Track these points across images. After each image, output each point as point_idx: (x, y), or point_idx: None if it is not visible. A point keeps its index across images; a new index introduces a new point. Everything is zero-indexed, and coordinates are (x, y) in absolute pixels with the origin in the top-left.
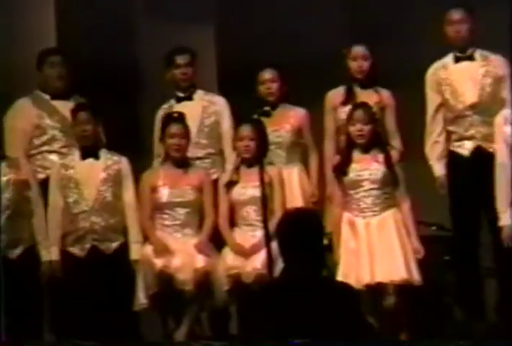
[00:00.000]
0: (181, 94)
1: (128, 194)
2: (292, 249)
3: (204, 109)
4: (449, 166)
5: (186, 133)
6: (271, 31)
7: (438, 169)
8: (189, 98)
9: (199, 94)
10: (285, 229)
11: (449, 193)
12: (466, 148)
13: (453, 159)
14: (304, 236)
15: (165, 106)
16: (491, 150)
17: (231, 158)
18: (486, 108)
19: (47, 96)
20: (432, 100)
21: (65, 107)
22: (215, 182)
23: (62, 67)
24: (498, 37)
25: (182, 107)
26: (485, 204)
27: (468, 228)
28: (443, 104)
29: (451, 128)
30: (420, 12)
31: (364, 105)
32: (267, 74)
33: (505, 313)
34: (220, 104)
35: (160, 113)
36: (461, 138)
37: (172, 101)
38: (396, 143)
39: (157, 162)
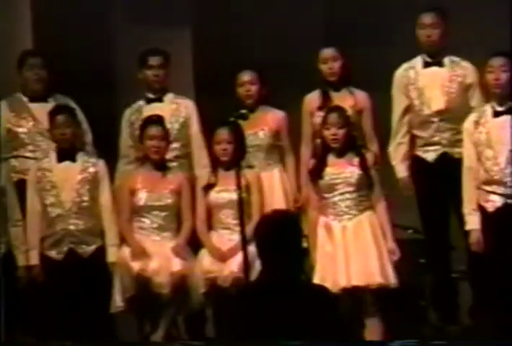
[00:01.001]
0: (151, 96)
1: (105, 197)
2: (270, 251)
3: (173, 112)
4: (414, 171)
5: (165, 135)
6: (249, 32)
7: (401, 170)
8: (159, 100)
9: (169, 97)
10: (264, 231)
11: (416, 198)
12: (431, 153)
13: (418, 164)
14: (283, 239)
15: (134, 107)
16: (457, 156)
17: (202, 162)
18: (453, 115)
19: (25, 99)
20: (399, 102)
21: (42, 109)
22: None
23: (41, 69)
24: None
25: (152, 109)
26: (455, 209)
27: (437, 232)
28: (410, 108)
29: (416, 133)
30: (398, 12)
31: (338, 109)
32: (245, 76)
33: (479, 316)
34: (189, 108)
35: (127, 114)
36: (427, 144)
37: (141, 103)
38: (373, 145)
39: (122, 163)
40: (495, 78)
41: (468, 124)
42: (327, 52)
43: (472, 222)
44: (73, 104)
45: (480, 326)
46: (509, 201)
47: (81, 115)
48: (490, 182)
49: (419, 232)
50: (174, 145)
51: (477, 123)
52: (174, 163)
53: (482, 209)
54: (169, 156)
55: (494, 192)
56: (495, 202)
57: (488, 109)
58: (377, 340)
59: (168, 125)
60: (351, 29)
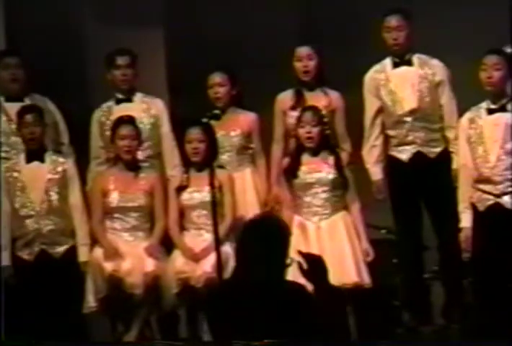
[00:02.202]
0: (120, 96)
1: (75, 197)
2: (257, 254)
3: (143, 112)
4: (388, 171)
5: (137, 135)
6: (222, 33)
7: (375, 172)
8: (128, 100)
9: (138, 96)
10: (249, 234)
11: (390, 198)
12: (405, 153)
13: (392, 164)
14: (268, 242)
15: (103, 107)
16: (431, 155)
17: (173, 162)
18: (425, 114)
19: (2, 98)
20: (370, 104)
21: (17, 109)
22: None
23: (17, 69)
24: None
25: (122, 109)
26: (430, 208)
27: (410, 232)
28: (382, 109)
29: (390, 133)
30: (375, 12)
31: (313, 108)
32: (215, 78)
33: (451, 316)
34: (158, 107)
35: (96, 115)
36: (401, 143)
37: (111, 103)
38: (346, 145)
39: (94, 164)
40: (488, 76)
41: (463, 121)
42: (303, 50)
43: (464, 220)
44: (50, 105)
45: (453, 326)
46: (500, 200)
47: (58, 115)
48: (480, 180)
49: (392, 232)
50: (145, 144)
51: (471, 120)
52: (145, 164)
53: (473, 207)
54: (141, 156)
55: (485, 191)
56: (486, 201)
57: (483, 106)
58: (355, 340)
59: (138, 125)
60: (327, 29)
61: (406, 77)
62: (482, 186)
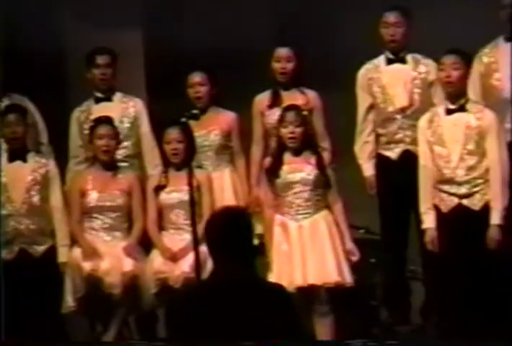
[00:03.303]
0: (100, 95)
1: (55, 197)
2: (221, 249)
3: (122, 111)
4: (377, 169)
5: (115, 135)
6: (201, 32)
7: (368, 168)
8: (108, 99)
9: (118, 96)
10: (214, 228)
11: (378, 196)
12: (394, 151)
13: (381, 162)
14: (233, 236)
15: (82, 107)
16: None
17: (153, 162)
18: (416, 112)
19: None
20: (363, 100)
21: None
22: None
23: None
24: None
25: (101, 109)
26: (414, 207)
27: (396, 231)
28: (374, 106)
29: (380, 131)
30: (351, 12)
31: (295, 107)
32: (195, 78)
33: (430, 315)
34: (138, 106)
35: (75, 114)
36: (390, 142)
37: (90, 102)
38: (325, 144)
39: (72, 163)
40: (447, 75)
41: (422, 122)
42: (282, 51)
43: (427, 221)
44: (29, 104)
45: (430, 325)
46: (462, 201)
47: (37, 115)
48: (442, 180)
49: (370, 232)
50: (125, 144)
51: (430, 121)
52: (125, 163)
53: (437, 209)
54: (120, 155)
55: (447, 192)
56: (448, 202)
57: (441, 107)
58: (333, 340)
59: (117, 124)
60: (304, 29)
61: (399, 74)
62: (444, 187)
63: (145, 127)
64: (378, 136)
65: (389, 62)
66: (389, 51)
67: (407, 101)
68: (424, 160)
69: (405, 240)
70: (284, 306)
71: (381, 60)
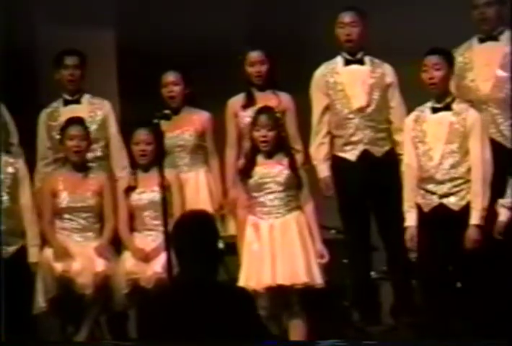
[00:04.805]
0: (68, 97)
1: (25, 197)
2: (185, 251)
3: (90, 113)
4: (335, 171)
5: (86, 135)
6: (176, 32)
7: (323, 169)
8: (76, 101)
9: (86, 98)
10: (178, 232)
11: (337, 198)
12: (352, 153)
13: (338, 164)
14: (196, 239)
15: (50, 109)
16: (378, 154)
17: (121, 163)
18: (372, 113)
19: None
20: (318, 101)
21: None
22: None
23: None
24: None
25: (70, 110)
26: (376, 208)
27: (358, 232)
28: (330, 107)
29: (335, 133)
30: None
31: (268, 110)
32: (169, 77)
33: (399, 316)
34: (106, 108)
35: (43, 116)
36: (347, 143)
37: (58, 104)
38: (297, 146)
39: (41, 165)
40: (430, 77)
41: (408, 120)
42: (255, 55)
43: (408, 219)
44: (0, 105)
45: (401, 326)
46: (443, 201)
47: (7, 116)
48: (424, 178)
49: (341, 232)
50: (94, 146)
51: (416, 120)
52: (94, 164)
53: (418, 207)
54: (89, 157)
55: (428, 191)
56: (429, 201)
57: (428, 106)
58: (303, 340)
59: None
60: (278, 29)
61: (356, 75)
62: (426, 185)
63: (113, 129)
64: (333, 138)
65: (347, 63)
66: (345, 52)
67: (365, 101)
68: (408, 158)
69: (368, 240)
70: (245, 307)
71: (338, 60)
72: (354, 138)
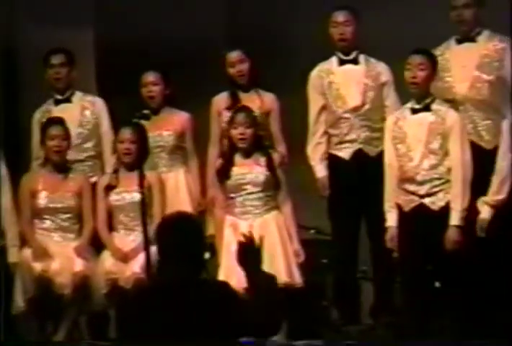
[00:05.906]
0: (59, 97)
1: (5, 198)
2: (169, 251)
3: (83, 112)
4: (329, 169)
5: (66, 135)
6: (155, 32)
7: (320, 170)
8: (67, 100)
9: (77, 96)
10: (162, 233)
11: (329, 197)
12: (346, 151)
13: (333, 162)
14: (181, 240)
15: (42, 108)
16: (372, 154)
17: (110, 161)
18: (367, 112)
19: None
20: (315, 102)
21: None
22: (94, 185)
23: None
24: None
25: (61, 110)
26: (366, 208)
27: (347, 231)
28: (326, 106)
29: (331, 131)
30: (306, 14)
31: (245, 109)
32: (148, 77)
33: (379, 316)
34: (98, 106)
35: (37, 116)
36: (342, 142)
37: (50, 104)
38: (280, 146)
39: (35, 165)
40: (412, 76)
41: (389, 121)
42: (234, 55)
43: (389, 219)
44: None
45: (380, 326)
46: (424, 201)
47: None
48: (405, 178)
49: (321, 232)
50: (87, 145)
51: (396, 120)
52: (87, 163)
53: (398, 207)
54: (82, 156)
55: (409, 191)
56: (410, 201)
57: (408, 106)
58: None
59: (78, 127)
60: (254, 30)
61: (351, 74)
62: (406, 186)
63: (105, 126)
64: (329, 137)
65: (341, 62)
66: (339, 51)
67: (360, 100)
68: (389, 159)
69: (356, 241)
70: (231, 303)
71: (333, 61)
72: (349, 137)
